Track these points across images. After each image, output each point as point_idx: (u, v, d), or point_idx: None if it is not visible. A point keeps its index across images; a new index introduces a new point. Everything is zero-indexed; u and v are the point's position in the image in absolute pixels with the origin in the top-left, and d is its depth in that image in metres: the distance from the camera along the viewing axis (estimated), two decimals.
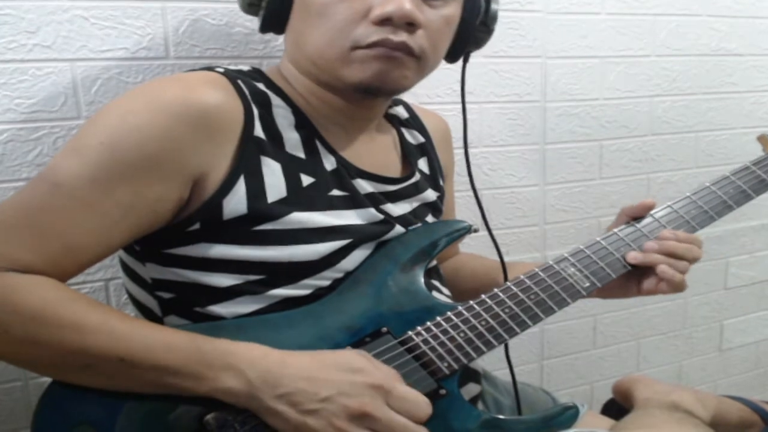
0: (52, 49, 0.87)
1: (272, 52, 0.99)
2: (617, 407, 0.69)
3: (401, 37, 0.65)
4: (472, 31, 0.76)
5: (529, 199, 1.26)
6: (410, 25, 0.66)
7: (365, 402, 0.57)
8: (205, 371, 0.57)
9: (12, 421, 0.93)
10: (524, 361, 1.34)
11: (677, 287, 0.75)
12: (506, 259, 0.83)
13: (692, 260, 0.76)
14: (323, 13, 0.66)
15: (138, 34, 0.90)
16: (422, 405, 0.59)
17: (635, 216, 0.80)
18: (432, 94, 1.11)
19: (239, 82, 0.67)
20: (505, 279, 0.75)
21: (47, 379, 0.61)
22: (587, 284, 0.72)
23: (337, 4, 0.65)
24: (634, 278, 0.77)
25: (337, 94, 0.72)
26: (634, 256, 0.75)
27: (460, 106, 0.81)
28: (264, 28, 0.74)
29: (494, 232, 0.83)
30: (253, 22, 0.97)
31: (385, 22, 0.64)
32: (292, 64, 0.73)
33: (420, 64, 0.69)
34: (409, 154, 0.83)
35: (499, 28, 0.80)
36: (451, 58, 0.78)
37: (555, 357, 1.38)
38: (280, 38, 0.98)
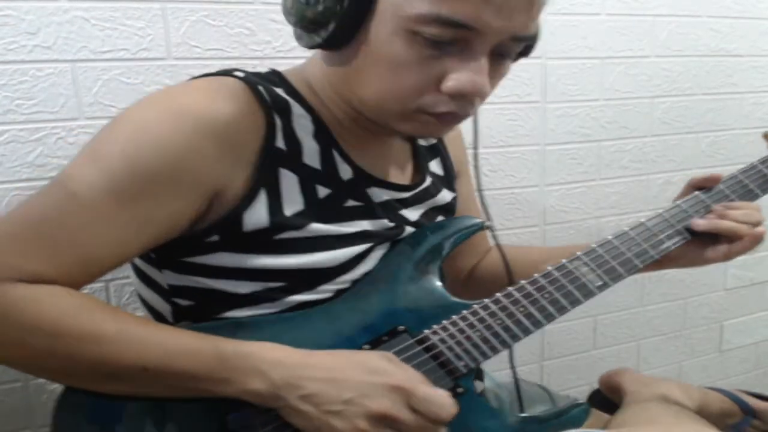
0: (53, 50, 0.87)
1: (272, 53, 0.99)
2: (601, 397, 0.71)
3: (468, 109, 0.64)
4: None
5: (529, 199, 1.26)
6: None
7: (385, 404, 0.57)
8: (231, 375, 0.57)
9: (12, 421, 0.93)
10: (524, 361, 1.34)
11: (751, 238, 0.77)
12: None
13: (755, 223, 0.78)
14: (395, 72, 0.61)
15: (138, 35, 0.91)
16: (446, 406, 0.58)
17: (702, 186, 0.82)
18: None
19: (260, 88, 0.64)
20: (510, 281, 0.75)
21: (47, 380, 0.61)
22: (599, 283, 0.72)
23: (412, 68, 0.60)
24: (699, 248, 0.79)
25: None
26: (697, 223, 0.77)
27: None
28: (322, 46, 0.63)
29: (494, 233, 0.83)
30: (254, 22, 0.97)
31: (458, 95, 0.61)
32: (329, 83, 0.68)
33: None
34: (420, 158, 0.83)
35: None
36: None
37: (555, 358, 1.38)
38: (280, 40, 0.99)
